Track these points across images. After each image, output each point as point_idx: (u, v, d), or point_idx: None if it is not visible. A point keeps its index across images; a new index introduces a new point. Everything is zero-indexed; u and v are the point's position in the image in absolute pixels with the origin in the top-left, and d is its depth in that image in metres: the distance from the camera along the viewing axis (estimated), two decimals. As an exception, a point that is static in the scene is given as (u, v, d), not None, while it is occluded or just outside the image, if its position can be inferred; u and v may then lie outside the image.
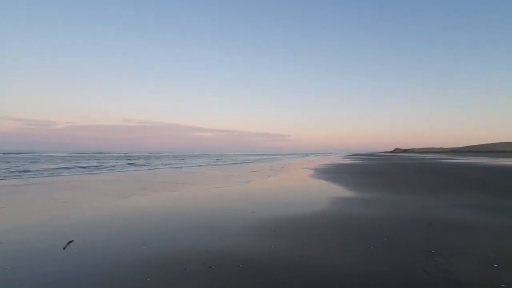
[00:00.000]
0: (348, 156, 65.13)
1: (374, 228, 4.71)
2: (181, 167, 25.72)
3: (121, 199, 8.21)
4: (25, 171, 18.80)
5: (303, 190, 10.29)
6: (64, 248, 3.82)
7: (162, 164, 30.76)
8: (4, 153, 71.78)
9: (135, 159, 45.70)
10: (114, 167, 24.86)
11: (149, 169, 23.43)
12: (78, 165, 26.43)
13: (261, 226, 4.93)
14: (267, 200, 7.77)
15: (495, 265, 3.15)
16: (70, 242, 4.06)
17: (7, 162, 31.12)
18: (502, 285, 2.70)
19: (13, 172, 18.20)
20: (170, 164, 30.95)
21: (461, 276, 2.88)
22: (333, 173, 17.20)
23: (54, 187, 11.40)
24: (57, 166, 24.32)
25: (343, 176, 15.12)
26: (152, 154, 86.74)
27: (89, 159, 44.80)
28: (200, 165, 29.25)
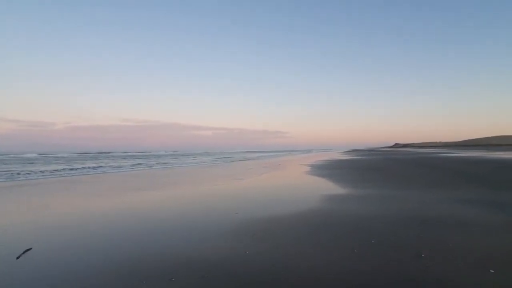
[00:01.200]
0: (347, 152, 64.86)
1: (363, 228, 4.36)
2: (177, 166, 25.40)
3: (99, 201, 7.85)
4: (17, 174, 18.43)
5: (296, 187, 9.94)
6: (17, 258, 3.46)
7: (159, 163, 30.38)
8: (2, 155, 71.34)
9: (134, 158, 45.35)
10: (110, 167, 24.49)
11: (144, 168, 23.08)
12: (71, 166, 26.10)
13: (241, 228, 4.58)
14: (255, 199, 7.43)
15: (492, 270, 2.80)
16: (27, 250, 3.70)
17: (4, 164, 30.75)
18: (500, 295, 2.36)
19: (13, 174, 17.77)
20: (166, 163, 30.59)
21: (453, 285, 2.53)
22: (329, 169, 16.86)
23: (38, 190, 11.03)
24: (49, 168, 23.98)
25: (340, 172, 14.78)
26: (151, 154, 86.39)
27: (88, 159, 44.44)
28: (198, 164, 28.90)
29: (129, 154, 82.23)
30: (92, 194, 9.15)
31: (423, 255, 3.20)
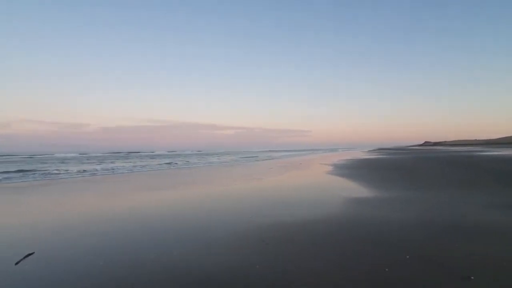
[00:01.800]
0: (373, 151, 62.40)
1: (392, 239, 3.79)
2: (200, 166, 25.52)
3: (115, 202, 7.80)
4: (42, 174, 19.31)
5: (315, 188, 9.37)
6: (16, 264, 3.29)
7: (184, 162, 30.76)
8: (41, 155, 76.58)
9: (161, 158, 46.55)
10: (139, 166, 25.11)
11: (169, 168, 23.39)
12: (101, 166, 27.07)
13: (253, 235, 4.16)
14: (272, 201, 6.97)
15: None
16: (29, 255, 3.53)
17: (42, 163, 32.67)
18: None
19: (50, 174, 18.65)
20: (191, 162, 30.89)
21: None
22: (352, 169, 16.01)
23: (58, 190, 11.30)
24: (80, 168, 24.99)
25: (363, 172, 13.93)
26: (177, 153, 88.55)
27: (119, 158, 46.24)
28: (221, 163, 28.92)
29: (156, 153, 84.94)
30: (109, 195, 9.18)
31: (472, 278, 2.61)
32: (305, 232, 4.23)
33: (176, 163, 28.25)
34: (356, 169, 15.51)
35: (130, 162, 32.43)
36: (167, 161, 33.06)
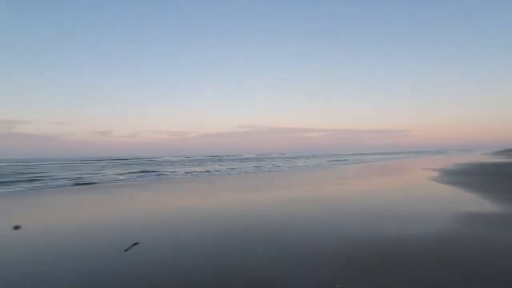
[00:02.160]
0: (498, 153, 50.32)
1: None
2: (286, 169, 25.85)
3: (209, 199, 8.54)
4: (155, 174, 22.95)
5: (414, 198, 8.07)
6: (125, 250, 3.95)
7: (271, 165, 31.80)
8: (156, 158, 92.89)
9: (249, 161, 49.62)
10: (228, 169, 27.35)
11: (257, 171, 24.56)
12: (203, 168, 30.46)
13: (336, 248, 3.82)
14: (359, 212, 6.34)
15: None
16: (135, 244, 4.19)
17: (157, 165, 39.44)
18: None
19: (160, 174, 22.48)
20: (278, 166, 31.63)
21: None
22: (465, 175, 13.19)
23: (166, 187, 13.17)
24: (186, 170, 28.71)
25: (481, 180, 11.29)
26: (264, 156, 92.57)
27: (215, 161, 51.68)
28: (307, 166, 28.64)
29: (245, 157, 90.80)
30: (205, 194, 10.18)
31: None
32: (396, 252, 3.63)
33: (263, 166, 29.37)
34: (472, 176, 12.73)
35: (223, 165, 35.48)
36: (256, 164, 34.72)
